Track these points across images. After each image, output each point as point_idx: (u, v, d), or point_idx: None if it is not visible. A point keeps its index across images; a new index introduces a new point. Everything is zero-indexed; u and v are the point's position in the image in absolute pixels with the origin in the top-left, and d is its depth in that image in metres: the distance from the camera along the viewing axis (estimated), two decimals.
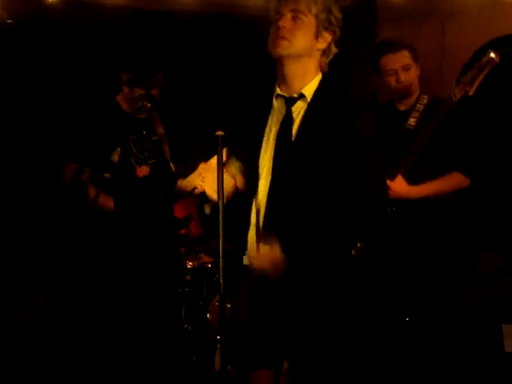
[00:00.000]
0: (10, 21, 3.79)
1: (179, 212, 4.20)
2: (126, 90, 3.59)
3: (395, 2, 4.24)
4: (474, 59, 3.23)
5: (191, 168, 3.52)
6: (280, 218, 2.40)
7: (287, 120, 2.45)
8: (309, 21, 2.41)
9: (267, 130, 2.49)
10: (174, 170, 3.67)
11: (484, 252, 4.26)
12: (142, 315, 3.57)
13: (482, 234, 4.27)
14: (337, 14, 2.48)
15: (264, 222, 2.44)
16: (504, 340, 3.80)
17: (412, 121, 3.50)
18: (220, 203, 2.23)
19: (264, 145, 2.48)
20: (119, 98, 3.64)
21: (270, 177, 2.45)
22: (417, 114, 3.51)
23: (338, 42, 2.52)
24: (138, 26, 4.59)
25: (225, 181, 2.27)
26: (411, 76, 3.51)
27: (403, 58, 3.49)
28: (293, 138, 2.43)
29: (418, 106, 3.53)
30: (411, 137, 3.36)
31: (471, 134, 3.48)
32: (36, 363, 4.23)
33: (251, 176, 2.51)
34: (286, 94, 2.47)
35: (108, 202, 3.47)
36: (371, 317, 3.54)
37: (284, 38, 2.40)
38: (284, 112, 2.47)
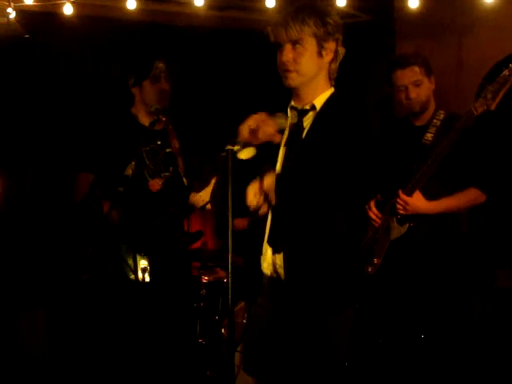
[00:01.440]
0: (27, 35, 3.85)
1: (196, 226, 4.20)
2: (136, 92, 3.59)
3: (413, 17, 4.22)
4: (494, 73, 3.19)
5: (204, 183, 3.53)
6: (285, 227, 2.46)
7: (297, 129, 2.52)
8: (308, 44, 2.46)
9: (282, 139, 2.56)
10: (186, 184, 3.68)
11: (502, 269, 4.20)
12: (157, 329, 3.56)
13: (500, 250, 4.21)
14: (333, 19, 2.49)
15: (270, 228, 2.52)
16: None
17: (429, 136, 3.46)
18: (230, 218, 2.23)
19: (280, 153, 2.55)
20: (134, 110, 3.64)
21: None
22: (433, 130, 3.47)
23: (343, 41, 2.55)
24: (154, 40, 4.62)
25: (267, 126, 2.37)
26: (422, 92, 3.47)
27: (413, 73, 3.45)
28: (299, 145, 2.50)
29: (435, 121, 3.49)
30: (428, 152, 3.32)
31: (489, 149, 3.44)
32: (52, 376, 4.25)
33: None
34: (298, 106, 2.55)
35: (120, 216, 3.45)
36: (386, 333, 3.51)
37: (290, 71, 2.47)
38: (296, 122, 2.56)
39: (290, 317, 2.46)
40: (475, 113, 3.21)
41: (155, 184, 3.58)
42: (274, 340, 2.51)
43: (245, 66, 4.92)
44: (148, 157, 3.57)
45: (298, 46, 2.44)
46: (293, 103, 2.56)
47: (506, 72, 3.17)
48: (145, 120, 3.58)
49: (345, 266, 2.45)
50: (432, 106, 3.54)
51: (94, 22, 4.31)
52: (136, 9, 4.06)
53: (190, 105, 3.91)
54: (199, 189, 3.53)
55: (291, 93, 2.58)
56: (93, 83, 4.67)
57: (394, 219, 3.38)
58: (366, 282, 2.73)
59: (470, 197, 3.41)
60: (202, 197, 3.50)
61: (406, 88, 3.45)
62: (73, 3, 3.99)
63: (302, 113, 2.53)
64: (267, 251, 2.54)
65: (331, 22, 2.47)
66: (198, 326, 4.11)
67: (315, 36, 2.44)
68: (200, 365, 4.07)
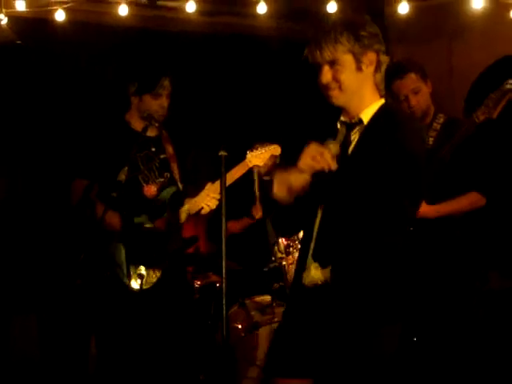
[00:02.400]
0: (19, 41, 3.85)
1: (188, 231, 4.21)
2: (135, 101, 3.58)
3: (403, 23, 4.25)
4: (484, 78, 3.20)
5: (199, 188, 3.53)
6: (332, 241, 2.41)
7: (345, 143, 2.49)
8: (345, 61, 2.42)
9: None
10: (181, 189, 3.67)
11: (493, 271, 4.23)
12: (150, 334, 3.54)
13: (491, 253, 4.25)
14: (367, 31, 2.44)
15: (314, 245, 2.46)
16: None
17: (430, 140, 3.48)
18: (223, 222, 2.24)
19: None
20: (128, 116, 3.65)
21: None
22: (434, 134, 3.49)
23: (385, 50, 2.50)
24: (146, 46, 4.62)
25: (297, 178, 2.32)
26: (422, 98, 3.49)
27: (411, 82, 3.47)
28: (348, 159, 2.45)
29: (435, 125, 3.51)
30: (429, 156, 3.34)
31: (489, 153, 3.47)
32: (43, 380, 4.24)
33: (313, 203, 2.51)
34: (347, 120, 2.52)
35: (115, 220, 3.45)
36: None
37: (333, 90, 2.45)
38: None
39: (334, 329, 2.40)
40: (477, 121, 3.24)
41: (150, 189, 3.57)
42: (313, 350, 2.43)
43: (237, 71, 4.93)
44: (142, 162, 3.57)
45: (335, 66, 2.42)
46: (342, 118, 2.54)
47: (508, 82, 3.17)
48: (138, 126, 3.57)
49: (393, 280, 2.41)
50: (431, 110, 3.57)
51: (86, 28, 4.31)
52: (128, 15, 4.07)
53: (184, 110, 3.91)
54: (194, 194, 3.53)
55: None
56: (85, 89, 4.67)
57: None
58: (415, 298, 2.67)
59: (470, 200, 3.43)
60: (197, 202, 3.51)
61: (407, 97, 3.48)
62: (65, 9, 4.00)
63: (350, 127, 2.50)
64: (311, 266, 2.47)
65: (365, 34, 2.42)
66: (191, 330, 4.10)
67: (351, 52, 2.41)
68: (193, 369, 4.07)
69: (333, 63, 2.42)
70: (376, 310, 2.37)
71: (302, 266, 2.50)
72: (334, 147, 2.43)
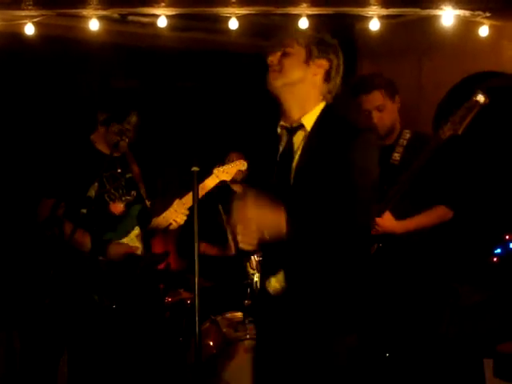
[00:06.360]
0: None
1: (158, 248, 4.18)
2: (101, 129, 3.62)
3: (374, 39, 4.29)
4: (451, 97, 3.22)
5: (166, 205, 3.54)
6: (286, 250, 2.41)
7: (287, 150, 2.50)
8: (296, 50, 2.49)
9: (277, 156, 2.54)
10: (149, 206, 3.69)
11: (464, 286, 4.26)
12: (121, 351, 3.51)
13: (462, 268, 4.28)
14: (326, 39, 2.54)
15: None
16: (485, 374, 3.78)
17: (396, 156, 3.50)
18: (196, 238, 2.23)
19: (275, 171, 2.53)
20: (94, 137, 3.66)
21: None
22: (400, 149, 3.51)
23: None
24: (118, 62, 4.60)
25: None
26: (386, 116, 3.50)
27: (375, 99, 3.49)
28: (293, 169, 2.45)
29: (402, 140, 3.54)
30: (396, 172, 3.36)
31: (454, 168, 3.50)
32: None
33: None
34: (287, 125, 2.51)
35: (84, 239, 3.44)
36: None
37: (274, 71, 2.49)
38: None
39: (294, 338, 2.42)
40: (443, 137, 3.27)
41: (117, 207, 3.58)
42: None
43: (208, 86, 4.93)
44: (108, 182, 3.59)
45: (286, 52, 2.48)
46: (282, 122, 2.54)
47: (473, 98, 3.21)
48: (103, 148, 3.61)
49: (350, 289, 2.43)
50: (397, 127, 3.59)
51: (55, 42, 4.28)
52: (99, 29, 4.05)
53: (152, 127, 3.90)
54: (162, 210, 3.54)
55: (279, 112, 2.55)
56: (53, 105, 4.63)
57: None
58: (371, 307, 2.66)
59: (438, 214, 3.45)
60: (166, 218, 3.51)
61: (370, 113, 3.49)
62: (34, 23, 3.96)
63: (291, 131, 2.50)
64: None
65: (329, 43, 2.53)
66: (161, 347, 4.06)
67: (306, 47, 2.48)
68: None
69: (285, 49, 2.49)
70: (328, 318, 2.38)
71: (265, 273, 2.52)
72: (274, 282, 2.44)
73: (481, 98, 3.19)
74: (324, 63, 2.50)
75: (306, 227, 2.33)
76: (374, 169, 2.43)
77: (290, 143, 2.50)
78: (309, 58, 2.48)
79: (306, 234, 2.34)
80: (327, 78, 2.51)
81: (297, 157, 2.46)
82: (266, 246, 2.42)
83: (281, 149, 2.53)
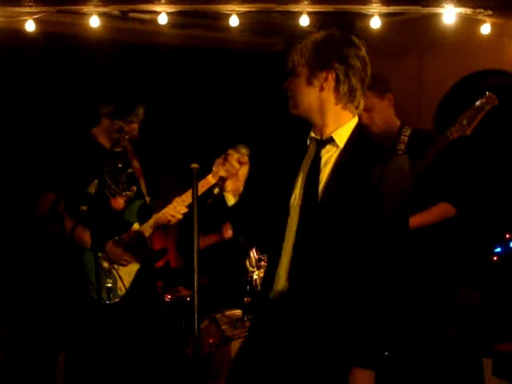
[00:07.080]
0: None
1: (157, 244, 4.18)
2: (105, 122, 3.59)
3: (375, 36, 4.28)
4: (457, 94, 3.21)
5: (166, 201, 3.54)
6: (303, 267, 2.36)
7: (315, 162, 2.43)
8: (300, 72, 2.39)
9: (300, 172, 2.47)
10: (149, 202, 3.68)
11: (463, 285, 4.26)
12: (119, 349, 3.52)
13: (462, 268, 4.27)
14: (331, 48, 2.37)
15: (289, 268, 2.39)
16: (484, 373, 3.78)
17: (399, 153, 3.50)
18: (195, 236, 2.21)
19: (296, 186, 2.46)
20: (95, 131, 3.64)
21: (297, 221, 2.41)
22: (402, 146, 3.51)
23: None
24: (119, 59, 4.60)
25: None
26: (375, 115, 3.49)
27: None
28: (322, 183, 2.38)
29: (403, 137, 3.53)
30: None
31: (459, 166, 3.50)
32: None
33: (282, 216, 2.45)
34: (317, 137, 2.45)
35: (84, 235, 3.42)
36: None
37: (289, 98, 2.44)
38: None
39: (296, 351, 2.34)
40: (451, 138, 3.27)
41: (117, 202, 3.58)
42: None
43: (209, 83, 4.94)
44: (109, 177, 3.58)
45: (293, 74, 2.41)
46: (312, 134, 2.46)
47: (482, 99, 3.21)
48: (104, 142, 3.60)
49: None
50: (395, 123, 3.58)
51: (56, 39, 4.28)
52: (99, 26, 4.05)
53: (152, 125, 3.90)
54: (162, 206, 3.54)
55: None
56: (54, 101, 4.63)
57: None
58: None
59: (440, 211, 3.45)
60: (165, 214, 3.51)
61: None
62: (35, 20, 3.97)
63: (320, 144, 2.43)
64: (278, 283, 2.42)
65: (328, 51, 2.36)
66: (161, 345, 4.07)
67: (308, 65, 2.37)
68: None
69: (292, 75, 2.40)
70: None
71: (268, 282, 2.44)
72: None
73: (490, 99, 3.19)
74: (328, 74, 2.36)
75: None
76: (407, 194, 2.39)
77: (317, 155, 2.43)
78: (311, 76, 2.37)
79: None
80: (338, 86, 2.36)
81: (326, 171, 2.39)
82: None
83: (307, 159, 2.47)
